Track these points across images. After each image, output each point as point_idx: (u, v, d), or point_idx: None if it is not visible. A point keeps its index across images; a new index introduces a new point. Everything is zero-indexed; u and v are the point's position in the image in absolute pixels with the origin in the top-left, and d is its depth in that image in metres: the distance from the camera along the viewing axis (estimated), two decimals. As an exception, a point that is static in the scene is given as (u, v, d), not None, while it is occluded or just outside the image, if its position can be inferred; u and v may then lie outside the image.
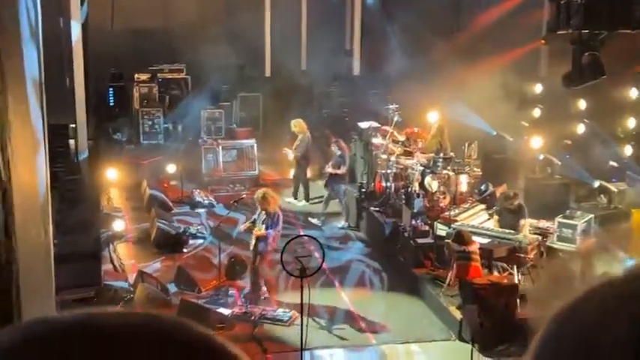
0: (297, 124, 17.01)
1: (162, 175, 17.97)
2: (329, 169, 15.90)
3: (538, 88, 19.95)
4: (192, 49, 21.51)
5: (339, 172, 15.77)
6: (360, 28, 22.54)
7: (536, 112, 19.58)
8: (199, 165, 18.20)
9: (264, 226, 12.11)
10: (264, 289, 12.35)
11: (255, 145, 18.65)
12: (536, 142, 16.73)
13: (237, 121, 21.39)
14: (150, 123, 20.90)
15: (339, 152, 15.88)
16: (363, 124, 17.52)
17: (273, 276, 12.63)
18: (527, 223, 12.52)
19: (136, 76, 21.54)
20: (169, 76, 21.97)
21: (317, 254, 10.92)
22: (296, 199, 17.01)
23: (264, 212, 12.18)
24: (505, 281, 11.58)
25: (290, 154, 16.87)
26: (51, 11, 15.40)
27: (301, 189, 17.07)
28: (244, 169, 18.11)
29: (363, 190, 15.87)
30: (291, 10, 22.77)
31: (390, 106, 16.38)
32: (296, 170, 17.15)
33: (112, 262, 13.71)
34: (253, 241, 12.21)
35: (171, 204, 16.45)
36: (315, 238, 11.25)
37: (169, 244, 14.32)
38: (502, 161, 16.80)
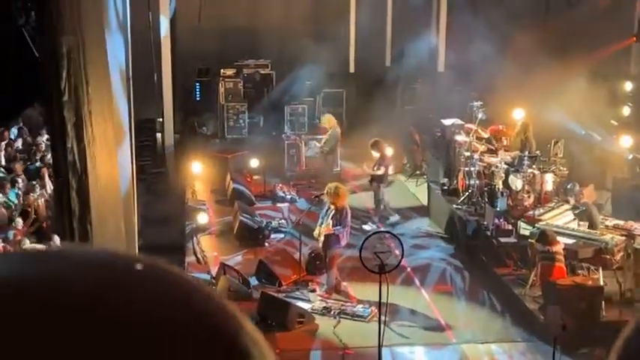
0: (328, 120, 17.14)
1: (245, 169, 18.18)
2: (368, 170, 15.67)
3: (628, 86, 19.41)
4: (278, 44, 21.70)
5: (378, 172, 15.45)
6: (446, 25, 22.31)
7: (626, 111, 19.05)
8: (282, 160, 18.34)
9: (331, 222, 12.10)
10: (343, 284, 12.37)
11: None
12: (626, 141, 16.27)
13: (320, 116, 21.47)
14: (235, 117, 21.16)
15: (377, 154, 15.57)
16: (447, 121, 17.36)
17: (350, 272, 12.63)
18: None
19: (222, 71, 21.84)
20: (254, 71, 22.19)
21: (397, 251, 10.86)
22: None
23: (333, 207, 12.16)
24: (590, 283, 11.32)
25: (317, 149, 17.00)
26: (140, 6, 15.74)
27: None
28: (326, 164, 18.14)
29: (445, 187, 15.72)
30: (376, 7, 22.70)
31: (475, 103, 16.19)
32: (324, 165, 17.14)
33: (195, 254, 13.95)
34: (322, 238, 12.21)
35: (254, 198, 16.63)
36: (394, 234, 11.20)
37: (251, 237, 14.48)
38: (589, 160, 16.40)
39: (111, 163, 4.76)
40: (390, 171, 15.75)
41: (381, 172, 15.47)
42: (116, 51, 5.85)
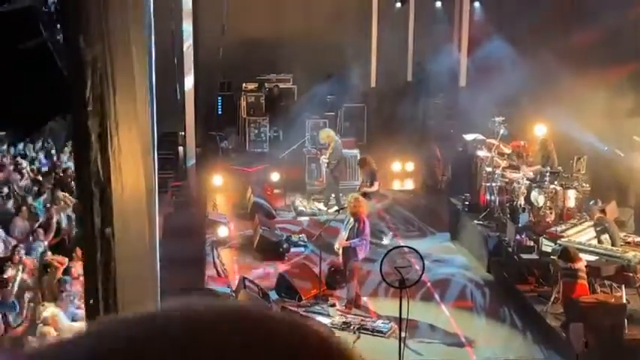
0: (326, 135, 17.12)
1: (266, 182, 18.22)
2: (363, 188, 15.24)
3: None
4: (300, 59, 21.76)
5: (371, 189, 15.14)
6: (467, 39, 22.30)
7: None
8: (303, 174, 18.36)
9: (348, 234, 12.05)
10: (363, 299, 12.32)
11: (359, 156, 18.68)
12: (649, 157, 16.14)
13: (341, 130, 21.48)
14: (256, 131, 21.25)
15: (366, 172, 15.33)
16: (468, 137, 17.31)
17: (369, 286, 12.59)
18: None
19: (244, 85, 21.93)
20: (275, 85, 22.27)
21: (417, 266, 10.82)
22: (326, 206, 16.96)
23: (352, 219, 12.13)
24: (612, 300, 11.21)
25: (324, 163, 17.00)
26: (163, 18, 15.85)
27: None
28: (347, 178, 18.15)
29: (467, 203, 15.65)
30: (398, 21, 22.74)
31: (496, 119, 16.13)
32: (329, 178, 17.11)
33: (215, 267, 13.95)
34: (341, 250, 12.19)
35: (274, 212, 16.65)
36: (415, 249, 11.15)
37: (271, 251, 14.48)
38: (612, 177, 16.27)
39: (136, 174, 4.75)
40: (376, 187, 15.41)
41: (373, 188, 15.21)
42: (141, 62, 5.84)
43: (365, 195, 14.74)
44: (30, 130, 18.72)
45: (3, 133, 18.19)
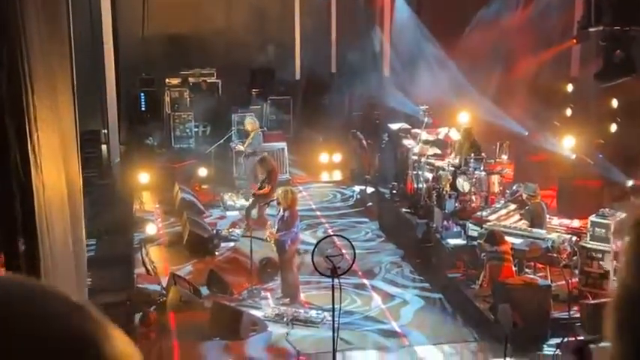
0: (249, 123, 17.20)
1: (193, 178, 18.07)
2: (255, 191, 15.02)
3: (569, 88, 19.78)
4: (223, 53, 21.62)
5: (258, 192, 14.77)
6: (390, 30, 22.49)
7: (568, 112, 19.40)
8: (230, 168, 18.27)
9: (277, 226, 12.06)
10: (298, 290, 12.34)
11: (286, 148, 18.69)
12: (569, 141, 16.57)
13: (267, 124, 21.44)
14: (181, 127, 21.04)
15: (263, 172, 14.81)
16: (394, 126, 17.48)
17: (300, 276, 12.62)
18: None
19: (167, 80, 21.69)
20: (200, 80, 22.09)
21: (348, 255, 10.89)
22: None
23: (282, 210, 12.13)
24: (538, 281, 11.48)
25: (240, 149, 17.05)
26: (81, 14, 15.55)
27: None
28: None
29: (394, 191, 15.81)
30: (320, 13, 22.80)
31: (421, 107, 16.34)
32: (248, 168, 17.09)
33: (144, 265, 13.79)
34: (273, 242, 12.18)
35: (202, 207, 16.52)
36: (346, 238, 11.20)
37: (201, 247, 14.37)
38: (534, 162, 16.65)
39: (57, 172, 4.67)
40: (266, 190, 14.61)
41: (263, 191, 14.66)
42: (61, 59, 5.76)
43: (258, 196, 14.58)
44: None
45: None
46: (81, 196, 5.62)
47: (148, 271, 13.60)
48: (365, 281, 13.10)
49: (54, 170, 4.70)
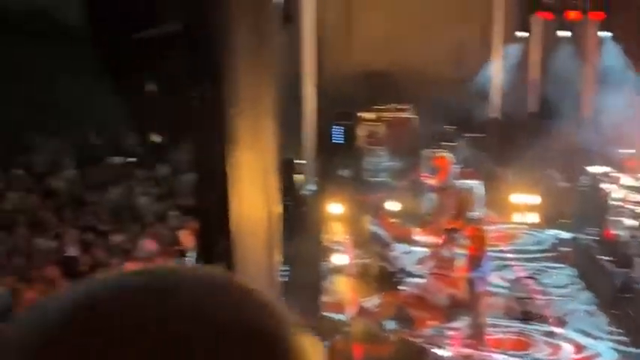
0: (442, 159, 16.95)
1: (383, 211, 18.09)
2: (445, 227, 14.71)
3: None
4: (419, 89, 21.65)
5: (450, 228, 14.37)
6: (593, 70, 21.68)
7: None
8: (420, 203, 18.14)
9: (470, 265, 11.78)
10: (485, 331, 11.98)
11: (479, 187, 18.31)
12: None
13: (461, 161, 21.16)
14: (374, 160, 21.21)
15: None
16: (592, 169, 16.74)
17: (489, 318, 12.23)
18: None
19: (362, 115, 21.97)
20: (395, 115, 22.22)
21: (538, 301, 10.46)
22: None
23: (474, 250, 11.84)
24: None
25: (432, 184, 16.62)
26: (286, 52, 16.07)
27: None
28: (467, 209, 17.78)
29: (593, 237, 15.08)
30: (509, 51, 22.40)
31: (624, 151, 15.57)
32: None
33: (331, 294, 13.90)
34: (461, 282, 11.92)
35: (390, 241, 16.48)
36: (537, 280, 10.78)
37: (388, 280, 14.31)
38: None
39: (256, 193, 4.77)
40: None
41: (456, 226, 14.33)
42: (266, 88, 5.91)
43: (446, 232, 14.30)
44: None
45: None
46: (279, 220, 5.72)
47: (334, 300, 13.68)
48: (555, 329, 12.51)
49: (253, 191, 4.80)
